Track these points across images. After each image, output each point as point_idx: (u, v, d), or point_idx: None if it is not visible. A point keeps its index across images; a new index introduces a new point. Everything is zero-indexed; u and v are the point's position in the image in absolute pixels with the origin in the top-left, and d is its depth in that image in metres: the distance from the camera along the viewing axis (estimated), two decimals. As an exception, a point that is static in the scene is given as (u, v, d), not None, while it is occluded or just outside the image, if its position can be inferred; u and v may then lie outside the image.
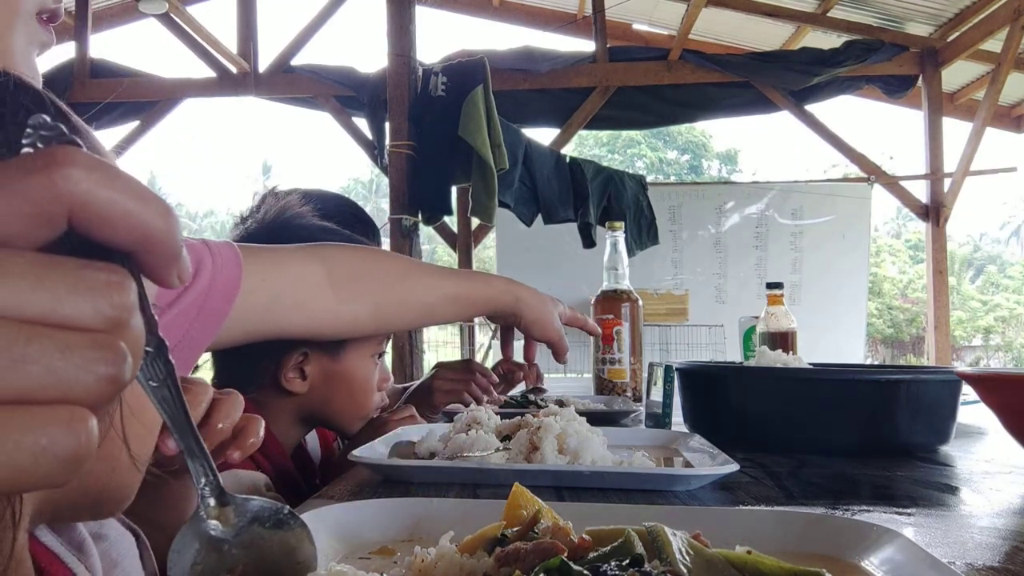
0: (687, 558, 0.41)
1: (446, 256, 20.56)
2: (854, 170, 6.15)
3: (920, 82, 5.49)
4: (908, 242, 26.41)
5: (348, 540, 0.55)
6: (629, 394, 1.71)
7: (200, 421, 0.60)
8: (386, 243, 3.74)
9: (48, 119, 0.26)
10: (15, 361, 0.22)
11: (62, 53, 5.52)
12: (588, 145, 28.28)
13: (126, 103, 5.68)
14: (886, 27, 5.47)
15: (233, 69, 5.58)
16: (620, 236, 1.78)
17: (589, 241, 4.43)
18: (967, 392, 1.04)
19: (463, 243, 5.63)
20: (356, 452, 0.86)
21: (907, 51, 5.42)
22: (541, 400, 1.53)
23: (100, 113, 4.95)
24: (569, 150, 5.47)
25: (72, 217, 0.24)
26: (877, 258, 21.44)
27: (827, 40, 5.54)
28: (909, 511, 0.70)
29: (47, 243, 0.24)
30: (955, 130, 5.69)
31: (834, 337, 5.60)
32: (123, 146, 5.48)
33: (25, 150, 0.25)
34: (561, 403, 1.42)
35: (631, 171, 5.53)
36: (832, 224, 5.84)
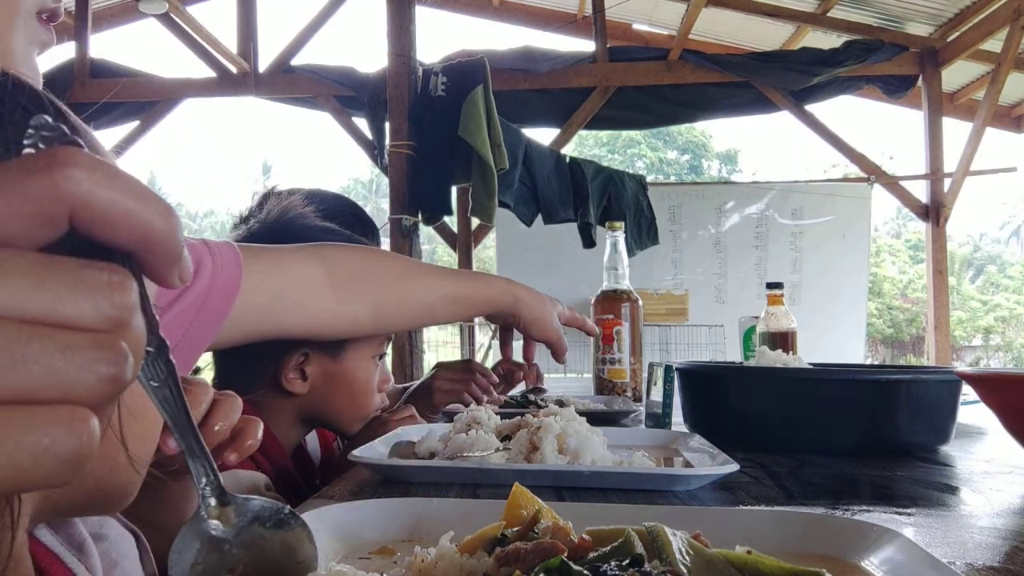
0: (687, 558, 0.41)
1: (446, 256, 20.55)
2: (854, 170, 6.16)
3: (920, 82, 5.49)
4: (908, 242, 26.41)
5: (348, 540, 0.55)
6: (629, 394, 1.71)
7: (199, 422, 0.60)
8: (386, 243, 3.74)
9: (49, 119, 0.26)
10: (16, 361, 0.22)
11: (62, 53, 5.52)
12: (588, 145, 28.28)
13: (126, 103, 5.69)
14: (886, 27, 5.47)
15: (233, 69, 5.58)
16: (620, 236, 1.78)
17: (589, 241, 4.43)
18: (967, 392, 1.04)
19: (463, 243, 5.64)
20: (356, 452, 0.86)
21: (907, 51, 5.42)
22: (541, 400, 1.53)
23: (100, 113, 4.95)
24: (569, 150, 5.47)
25: (73, 217, 0.24)
26: (877, 258, 21.44)
27: (827, 40, 5.54)
28: (909, 511, 0.70)
29: (48, 243, 0.24)
30: (955, 130, 5.70)
31: (834, 337, 5.60)
32: (123, 146, 5.48)
33: (26, 151, 0.26)
34: (561, 403, 1.42)
35: (631, 171, 5.53)
36: (832, 224, 5.84)
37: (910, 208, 5.68)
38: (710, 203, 6.00)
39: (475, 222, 5.44)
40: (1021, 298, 23.76)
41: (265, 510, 0.40)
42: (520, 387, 1.69)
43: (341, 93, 5.45)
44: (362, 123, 5.45)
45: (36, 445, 0.22)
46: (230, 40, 5.51)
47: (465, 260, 5.63)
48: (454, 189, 4.15)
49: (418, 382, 1.56)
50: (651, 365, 1.31)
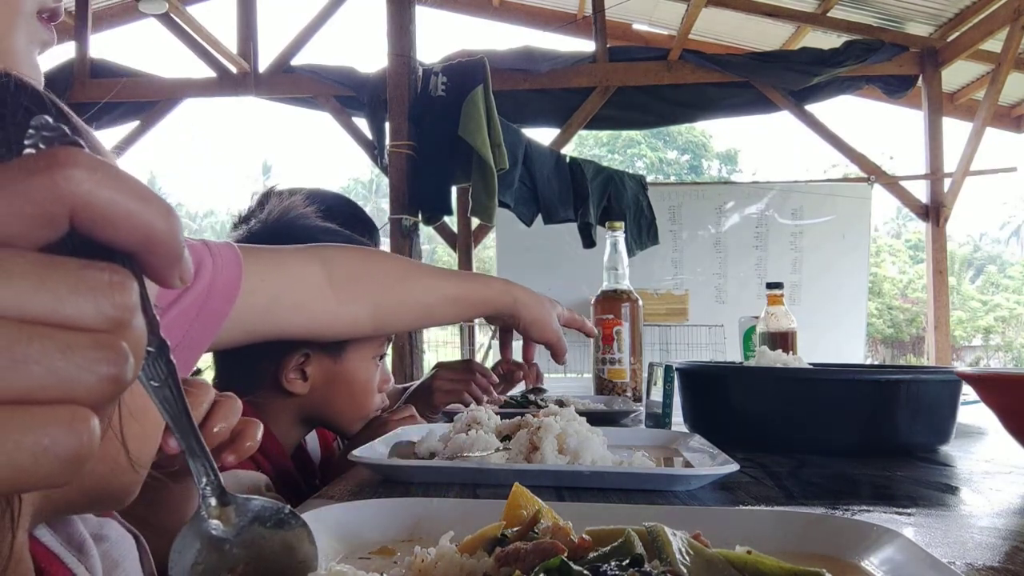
0: (687, 558, 0.41)
1: (446, 256, 20.56)
2: (854, 170, 6.15)
3: (920, 82, 5.49)
4: (908, 242, 26.41)
5: (348, 540, 0.55)
6: (629, 394, 1.71)
7: (199, 423, 0.60)
8: (386, 243, 3.74)
9: (50, 120, 0.26)
10: (16, 361, 0.22)
11: (62, 53, 5.52)
12: (588, 145, 28.28)
13: (126, 103, 5.68)
14: (886, 27, 5.47)
15: (233, 69, 5.58)
16: (620, 236, 1.78)
17: (589, 241, 4.43)
18: (967, 392, 1.04)
19: (463, 243, 5.63)
20: (356, 452, 0.86)
21: (907, 51, 5.42)
22: (541, 400, 1.53)
23: (100, 113, 4.95)
24: (569, 150, 5.47)
25: (74, 218, 0.24)
26: (877, 258, 21.44)
27: (827, 40, 5.54)
28: (909, 511, 0.70)
29: (49, 244, 0.24)
30: (955, 130, 5.70)
31: (834, 337, 5.60)
32: (123, 146, 5.48)
33: (27, 151, 0.26)
34: (561, 403, 1.42)
35: (631, 171, 5.53)
36: (832, 224, 5.84)
37: (910, 208, 5.68)
38: (710, 203, 6.00)
39: (475, 222, 5.44)
40: (1021, 298, 23.76)
41: (266, 510, 0.40)
42: (520, 387, 1.69)
43: (341, 93, 5.45)
44: (362, 123, 5.45)
45: (36, 445, 0.22)
46: (230, 40, 5.51)
47: (465, 260, 5.63)
48: (454, 189, 4.15)
49: (418, 382, 1.56)
50: (651, 365, 1.31)
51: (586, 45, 5.81)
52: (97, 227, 0.25)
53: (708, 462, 0.86)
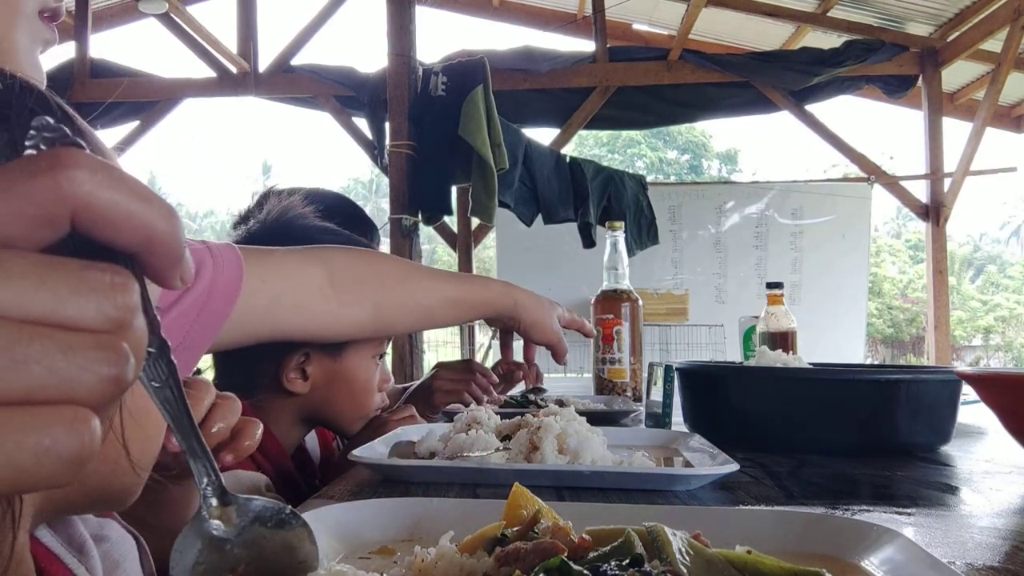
0: (687, 558, 0.41)
1: (446, 256, 20.56)
2: (854, 170, 6.15)
3: (920, 82, 5.49)
4: (908, 242, 26.41)
5: (348, 540, 0.55)
6: (629, 394, 1.71)
7: (199, 423, 0.60)
8: (386, 243, 3.74)
9: (51, 121, 0.26)
10: (17, 361, 0.22)
11: (62, 53, 5.52)
12: (588, 145, 28.28)
13: (126, 103, 5.68)
14: (886, 27, 5.47)
15: (233, 69, 5.58)
16: (620, 236, 1.78)
17: (589, 241, 4.43)
18: (967, 392, 1.04)
19: (463, 243, 5.63)
20: (356, 452, 0.86)
21: (907, 51, 5.42)
22: (541, 400, 1.53)
23: (100, 113, 4.95)
24: (569, 150, 5.47)
25: (75, 218, 0.24)
26: (877, 258, 21.44)
27: (827, 40, 5.54)
28: (909, 511, 0.70)
29: (50, 244, 0.24)
30: (955, 130, 5.70)
31: (834, 337, 5.60)
32: (123, 146, 5.48)
33: (28, 152, 0.26)
34: (561, 403, 1.42)
35: (631, 171, 5.53)
36: (832, 224, 5.84)
37: (910, 208, 5.68)
38: (710, 203, 6.00)
39: (475, 222, 5.44)
40: (1021, 298, 23.76)
41: (266, 510, 0.40)
42: (520, 387, 1.69)
43: (341, 93, 5.45)
44: (362, 123, 5.45)
45: (38, 445, 0.22)
46: (230, 40, 5.51)
47: (465, 260, 5.63)
48: (454, 189, 4.15)
49: (418, 382, 1.56)
50: (651, 365, 1.31)
51: (586, 45, 5.82)
52: (98, 228, 0.25)
53: (708, 462, 0.86)
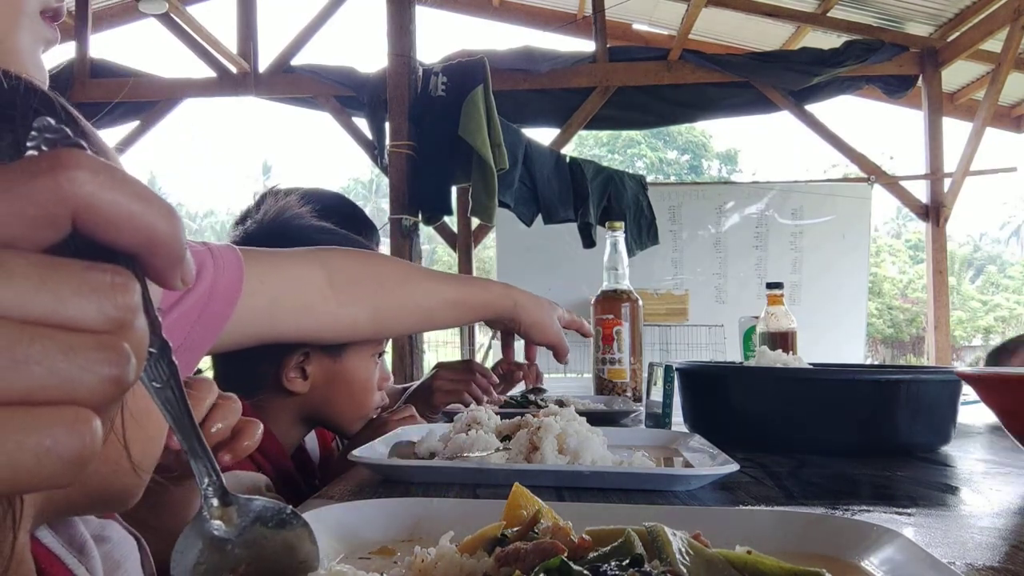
0: (687, 558, 0.41)
1: (446, 256, 20.55)
2: (854, 170, 6.15)
3: (920, 82, 5.49)
4: (908, 242, 26.41)
5: (348, 540, 0.55)
6: (629, 394, 1.71)
7: (200, 422, 0.60)
8: (386, 243, 3.74)
9: (52, 122, 0.26)
10: (18, 362, 0.22)
11: (62, 53, 5.52)
12: (588, 145, 28.28)
13: (126, 103, 5.68)
14: (886, 27, 5.47)
15: (233, 69, 5.58)
16: (620, 236, 1.78)
17: (589, 241, 4.44)
18: (967, 392, 1.04)
19: (463, 243, 5.63)
20: (356, 452, 0.86)
21: (907, 51, 5.42)
22: (541, 400, 1.53)
23: (100, 113, 4.95)
24: (569, 150, 5.47)
25: (76, 219, 0.24)
26: (877, 258, 21.44)
27: (827, 40, 5.54)
28: (909, 511, 0.70)
29: (51, 245, 0.24)
30: (955, 130, 5.70)
31: (834, 337, 5.60)
32: (123, 146, 5.48)
33: (30, 152, 0.26)
34: (561, 403, 1.42)
35: (631, 171, 5.53)
36: (832, 224, 5.84)
37: (910, 208, 5.68)
38: (710, 203, 6.00)
39: (475, 222, 5.44)
40: (1021, 298, 23.76)
41: (267, 510, 0.40)
42: (520, 387, 1.69)
43: (341, 93, 5.45)
44: (362, 123, 5.45)
45: (39, 446, 0.22)
46: (230, 40, 5.51)
47: (465, 260, 5.63)
48: (454, 189, 4.15)
49: (418, 382, 1.56)
50: (651, 365, 1.31)
51: (586, 45, 5.82)
52: (99, 229, 0.25)
53: (708, 462, 0.86)
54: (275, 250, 0.96)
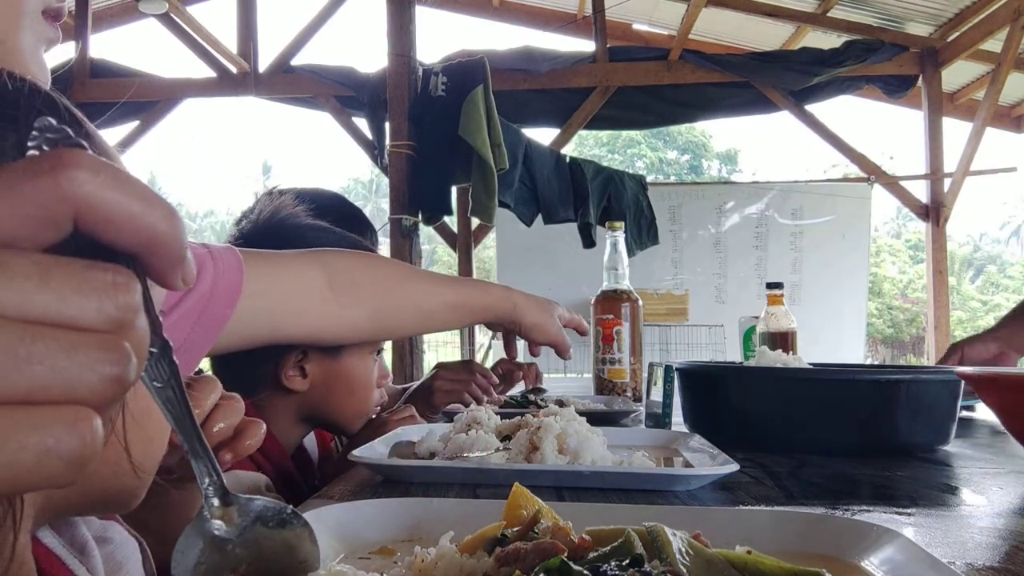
0: (687, 558, 0.41)
1: (446, 256, 20.56)
2: (854, 170, 6.15)
3: (920, 82, 5.49)
4: (908, 242, 26.41)
5: (348, 540, 0.55)
6: (629, 394, 1.71)
7: (201, 422, 0.60)
8: (386, 243, 3.74)
9: (54, 122, 0.26)
10: (20, 361, 0.22)
11: (62, 53, 5.51)
12: (588, 145, 28.27)
13: (126, 103, 5.68)
14: (886, 27, 5.47)
15: (233, 69, 5.58)
16: (620, 236, 1.78)
17: (589, 241, 4.44)
18: (967, 392, 1.04)
19: (463, 243, 5.63)
20: (356, 452, 0.86)
21: (907, 51, 5.42)
22: (541, 400, 1.53)
23: (100, 113, 4.95)
24: (569, 150, 5.47)
25: (78, 219, 0.24)
26: (877, 258, 21.45)
27: (827, 40, 5.54)
28: (909, 511, 0.71)
29: (53, 245, 0.24)
30: (955, 130, 5.70)
31: (834, 337, 5.60)
32: (123, 146, 5.48)
33: (31, 152, 0.26)
34: (561, 403, 1.42)
35: (631, 171, 5.53)
36: (832, 224, 5.84)
37: (910, 208, 5.68)
38: (710, 203, 6.00)
39: (475, 222, 5.44)
40: (1021, 298, 23.73)
41: (268, 510, 0.40)
42: (520, 387, 1.69)
43: (341, 93, 5.45)
44: (362, 123, 5.45)
45: (40, 445, 0.22)
46: (230, 40, 5.51)
47: (465, 260, 5.63)
48: (454, 189, 4.15)
49: (418, 382, 1.56)
50: (651, 365, 1.31)
51: (586, 45, 5.82)
52: (100, 228, 0.25)
53: (708, 462, 0.86)
54: (275, 252, 0.96)
